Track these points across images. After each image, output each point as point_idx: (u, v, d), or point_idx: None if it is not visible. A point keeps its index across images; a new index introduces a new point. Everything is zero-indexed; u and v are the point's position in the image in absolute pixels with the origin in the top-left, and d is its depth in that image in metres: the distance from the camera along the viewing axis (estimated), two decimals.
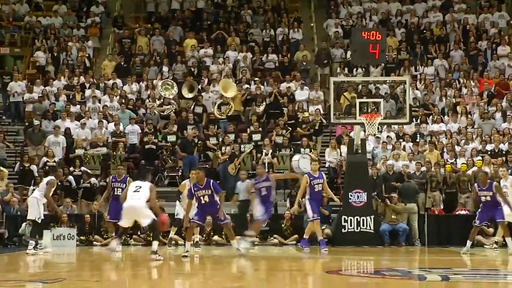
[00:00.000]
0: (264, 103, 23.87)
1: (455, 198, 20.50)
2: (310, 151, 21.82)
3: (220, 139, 22.44)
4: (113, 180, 16.85)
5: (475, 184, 16.71)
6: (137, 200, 13.94)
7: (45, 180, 16.12)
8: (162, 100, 23.94)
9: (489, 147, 21.66)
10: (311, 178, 16.68)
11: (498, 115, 23.09)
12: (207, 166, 21.64)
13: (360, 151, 19.72)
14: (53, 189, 16.21)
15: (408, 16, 27.62)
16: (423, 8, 27.97)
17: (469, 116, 23.09)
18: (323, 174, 17.31)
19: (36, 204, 15.90)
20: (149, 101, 24.14)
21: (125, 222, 14.20)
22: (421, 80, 24.77)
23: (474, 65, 25.46)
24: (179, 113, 23.61)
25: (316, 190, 16.70)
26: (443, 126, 22.82)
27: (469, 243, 16.26)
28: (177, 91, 23.89)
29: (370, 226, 19.10)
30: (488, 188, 16.10)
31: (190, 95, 24.21)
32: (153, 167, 21.85)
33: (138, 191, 14.03)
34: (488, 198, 16.06)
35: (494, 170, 20.42)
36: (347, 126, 21.99)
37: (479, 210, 16.40)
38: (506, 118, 22.77)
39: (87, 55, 26.50)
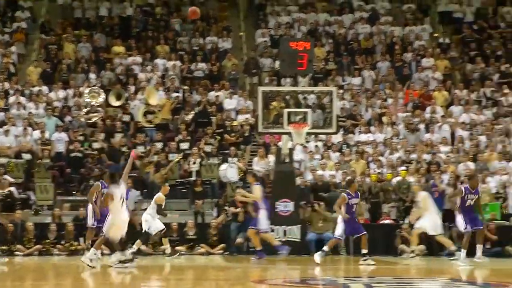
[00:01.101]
0: (192, 112, 23.81)
1: (379, 207, 20.81)
2: (238, 160, 21.86)
3: (148, 148, 22.29)
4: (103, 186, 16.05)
5: (463, 187, 16.69)
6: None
7: None
8: (89, 108, 23.63)
9: (413, 157, 22.02)
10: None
11: (422, 126, 23.51)
12: (134, 175, 21.46)
13: (287, 161, 19.83)
14: None
15: (336, 27, 27.95)
16: (350, 19, 28.33)
17: (394, 126, 23.46)
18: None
19: None
20: (76, 109, 23.81)
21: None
22: (348, 91, 25.07)
23: (400, 77, 25.90)
24: (106, 121, 23.34)
25: None
26: (370, 136, 23.13)
27: (463, 251, 16.18)
28: (104, 99, 23.65)
29: (296, 235, 19.19)
30: (475, 192, 16.23)
31: (118, 103, 23.96)
32: (79, 176, 21.57)
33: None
34: (472, 203, 16.18)
35: (418, 180, 20.83)
36: (275, 136, 22.08)
37: (463, 215, 16.23)
38: (429, 129, 23.20)
39: (11, 61, 25.95)
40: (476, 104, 24.35)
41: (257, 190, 17.08)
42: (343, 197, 16.45)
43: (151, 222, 17.55)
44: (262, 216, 17.08)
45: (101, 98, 23.44)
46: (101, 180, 15.93)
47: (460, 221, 16.25)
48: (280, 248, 17.46)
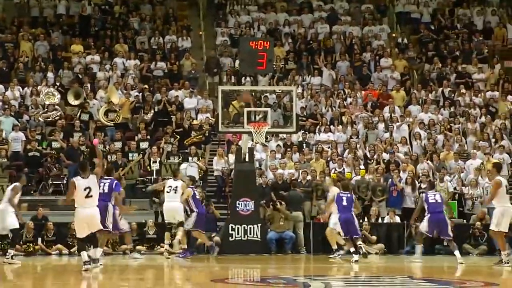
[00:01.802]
0: (152, 111, 23.71)
1: None
2: (198, 159, 21.82)
3: (107, 147, 22.12)
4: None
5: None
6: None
7: None
8: (47, 107, 23.42)
9: (373, 156, 22.12)
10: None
11: (381, 125, 23.70)
12: None
13: (248, 160, 19.86)
14: None
15: (295, 27, 28.04)
16: (309, 19, 28.43)
17: (354, 126, 23.60)
18: None
19: None
20: (33, 108, 23.54)
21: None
22: (308, 90, 25.16)
23: (359, 76, 26.07)
24: (65, 119, 23.12)
25: None
26: (331, 135, 23.22)
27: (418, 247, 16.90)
28: (59, 99, 23.41)
29: (257, 235, 19.23)
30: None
31: (76, 102, 23.77)
32: (37, 175, 21.35)
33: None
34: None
35: (377, 179, 21.01)
36: (236, 135, 22.09)
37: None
38: (388, 128, 23.40)
39: None
40: (434, 104, 24.61)
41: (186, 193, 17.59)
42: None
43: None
44: (193, 217, 17.65)
45: (57, 99, 23.25)
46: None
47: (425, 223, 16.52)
48: (211, 249, 18.25)
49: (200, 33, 28.42)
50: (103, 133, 22.69)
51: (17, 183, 16.20)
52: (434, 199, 16.46)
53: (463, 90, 24.98)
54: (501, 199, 15.22)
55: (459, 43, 27.38)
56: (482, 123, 23.45)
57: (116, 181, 15.15)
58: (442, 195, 16.81)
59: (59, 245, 18.94)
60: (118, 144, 22.28)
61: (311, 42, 27.40)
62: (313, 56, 26.75)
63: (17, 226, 16.23)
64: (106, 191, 14.74)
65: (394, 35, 28.32)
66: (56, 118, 22.95)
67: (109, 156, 21.50)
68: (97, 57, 25.81)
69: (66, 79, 24.96)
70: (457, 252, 16.25)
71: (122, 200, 16.54)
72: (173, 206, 17.62)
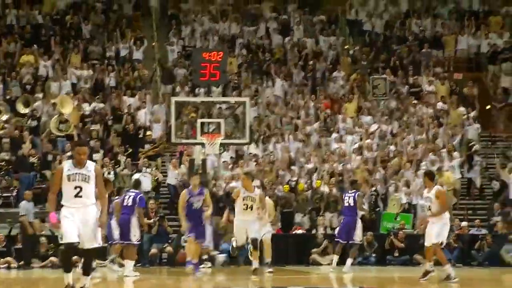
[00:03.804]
0: (103, 121, 23.49)
1: (292, 217, 20.97)
2: (152, 170, 21.69)
3: (58, 158, 21.85)
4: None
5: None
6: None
7: None
8: None
9: (326, 166, 22.27)
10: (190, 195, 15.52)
11: (334, 135, 23.83)
12: (44, 186, 20.99)
13: (200, 171, 19.79)
14: None
15: (249, 38, 28.08)
16: (263, 30, 28.52)
17: (307, 136, 23.67)
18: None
19: None
20: None
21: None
22: (261, 101, 25.20)
23: (312, 87, 26.18)
24: (15, 131, 22.78)
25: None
26: (283, 145, 23.22)
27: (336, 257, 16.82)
28: (9, 111, 23.07)
29: (210, 246, 19.07)
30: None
31: (26, 111, 23.43)
32: None
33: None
34: None
35: (329, 189, 21.13)
36: (189, 146, 22.00)
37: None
38: (342, 139, 23.54)
39: None
40: (385, 114, 24.83)
41: None
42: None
43: None
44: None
45: (5, 116, 22.85)
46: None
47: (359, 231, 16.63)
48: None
49: (153, 43, 28.29)
50: (53, 144, 22.39)
51: None
52: (348, 202, 16.46)
53: (414, 101, 25.24)
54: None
55: (410, 55, 27.65)
56: (433, 134, 23.71)
57: (141, 195, 15.07)
58: (357, 198, 16.44)
59: (8, 258, 18.65)
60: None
61: (264, 53, 27.47)
62: (267, 67, 26.78)
63: None
64: (130, 204, 14.73)
65: (346, 46, 28.53)
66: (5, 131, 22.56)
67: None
68: (48, 66, 25.46)
69: (16, 89, 24.58)
70: (348, 261, 16.41)
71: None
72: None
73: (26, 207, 19.63)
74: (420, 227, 17.14)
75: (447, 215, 13.68)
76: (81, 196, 9.81)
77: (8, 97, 24.04)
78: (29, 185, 21.23)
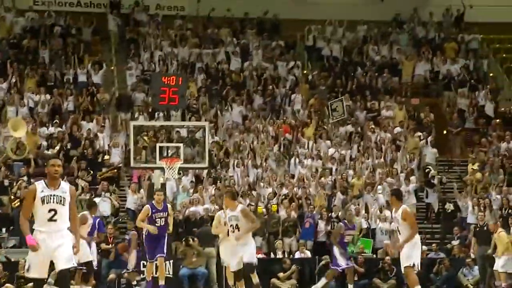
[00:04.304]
0: (59, 145, 23.20)
1: None
2: (111, 194, 21.51)
3: (15, 184, 21.51)
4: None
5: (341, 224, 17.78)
6: None
7: None
8: None
9: (284, 191, 22.26)
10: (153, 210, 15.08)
11: (292, 160, 23.85)
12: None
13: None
14: None
15: (208, 61, 28.08)
16: (223, 54, 28.57)
17: (265, 160, 23.66)
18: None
19: None
20: None
21: None
22: (220, 125, 25.16)
23: (271, 111, 26.17)
24: None
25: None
26: (243, 170, 23.21)
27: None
28: None
29: (169, 271, 18.86)
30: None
31: None
32: None
33: None
34: None
35: (288, 214, 21.16)
36: (147, 170, 21.85)
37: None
38: (300, 163, 23.58)
39: None
40: (344, 139, 24.97)
41: None
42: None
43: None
44: None
45: None
46: None
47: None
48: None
49: (112, 68, 28.15)
50: (8, 168, 22.08)
51: None
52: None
53: (372, 126, 25.47)
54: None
55: (367, 80, 27.91)
56: (391, 159, 23.91)
57: (99, 220, 15.12)
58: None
59: None
60: (28, 180, 21.68)
61: (224, 77, 27.48)
62: (226, 91, 26.76)
63: None
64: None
65: (305, 71, 28.69)
66: None
67: (19, 192, 20.87)
68: (4, 89, 25.11)
69: None
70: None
71: None
72: None
73: None
74: (391, 252, 17.37)
75: (417, 236, 13.27)
76: (55, 220, 9.10)
77: None
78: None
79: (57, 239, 9.12)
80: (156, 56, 27.86)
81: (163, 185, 20.01)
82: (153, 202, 15.51)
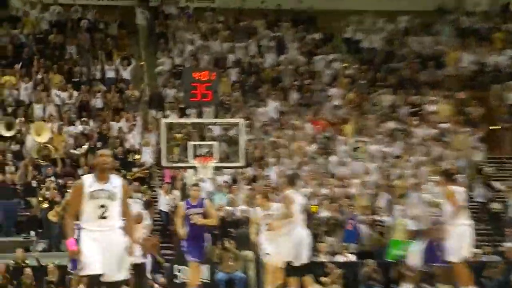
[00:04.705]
0: (87, 144, 22.36)
1: None
2: (143, 195, 20.57)
3: (44, 185, 20.69)
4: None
5: None
6: None
7: None
8: None
9: (324, 190, 21.32)
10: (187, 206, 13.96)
11: (332, 158, 22.91)
12: (28, 213, 20.36)
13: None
14: None
15: (241, 56, 27.11)
16: (256, 47, 27.53)
17: (304, 158, 22.65)
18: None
19: None
20: None
21: None
22: (256, 122, 24.16)
23: (308, 107, 25.19)
24: None
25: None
26: (281, 168, 22.15)
27: None
28: None
29: (205, 276, 17.96)
30: None
31: (9, 134, 22.39)
32: None
33: None
34: None
35: (331, 214, 20.07)
36: (180, 170, 20.96)
37: None
38: (340, 161, 22.67)
39: None
40: (386, 135, 23.87)
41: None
42: None
43: None
44: None
45: None
46: None
47: None
48: None
49: (141, 63, 27.26)
50: (36, 169, 21.35)
51: None
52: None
53: (415, 121, 24.38)
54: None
55: (410, 73, 26.87)
56: (437, 155, 22.83)
57: None
58: None
59: None
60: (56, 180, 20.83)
61: (258, 71, 26.54)
62: (261, 86, 25.86)
63: None
64: None
65: (344, 64, 27.66)
66: None
67: (47, 193, 20.05)
68: (30, 88, 24.37)
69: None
70: None
71: None
72: None
73: None
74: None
75: (463, 220, 11.56)
76: (106, 217, 8.28)
77: None
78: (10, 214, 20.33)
79: (108, 240, 8.28)
80: (187, 50, 26.90)
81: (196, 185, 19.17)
82: (188, 199, 14.33)
